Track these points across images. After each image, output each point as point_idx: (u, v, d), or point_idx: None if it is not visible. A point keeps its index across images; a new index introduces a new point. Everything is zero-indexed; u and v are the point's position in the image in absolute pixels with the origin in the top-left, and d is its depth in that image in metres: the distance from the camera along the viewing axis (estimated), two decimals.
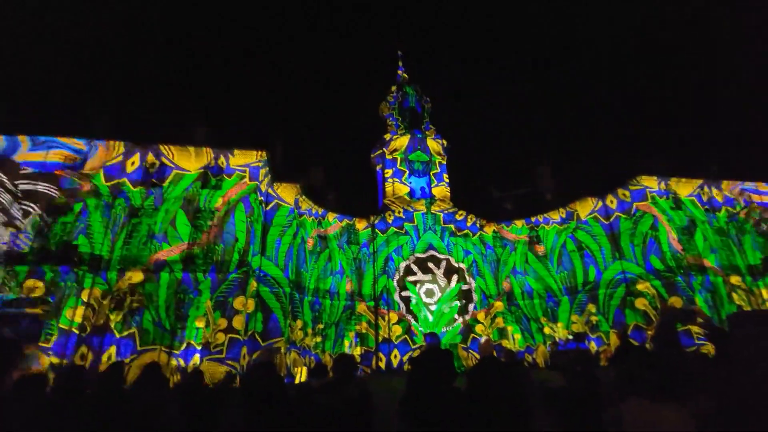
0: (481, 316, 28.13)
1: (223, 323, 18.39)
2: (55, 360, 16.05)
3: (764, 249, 26.78)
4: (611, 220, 27.97)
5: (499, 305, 28.77)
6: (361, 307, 27.00)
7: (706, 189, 28.51)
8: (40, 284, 17.16)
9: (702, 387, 1.55)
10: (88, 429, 3.70)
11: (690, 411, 1.41)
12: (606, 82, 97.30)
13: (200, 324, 18.59)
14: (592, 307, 26.73)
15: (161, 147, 21.75)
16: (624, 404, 1.58)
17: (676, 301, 23.54)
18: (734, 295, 24.42)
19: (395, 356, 25.61)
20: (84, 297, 17.65)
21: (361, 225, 29.56)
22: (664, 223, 25.87)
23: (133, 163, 21.29)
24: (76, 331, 17.04)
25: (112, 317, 17.82)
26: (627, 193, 27.51)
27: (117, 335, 17.58)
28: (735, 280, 24.96)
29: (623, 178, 27.95)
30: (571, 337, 25.26)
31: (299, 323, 22.84)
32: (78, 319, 17.19)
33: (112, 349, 17.30)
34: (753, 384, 1.44)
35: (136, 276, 18.71)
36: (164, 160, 21.63)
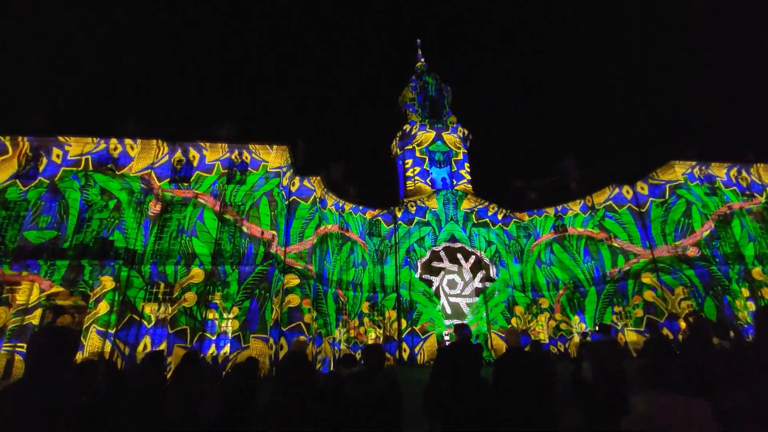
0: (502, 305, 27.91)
1: (247, 313, 18.96)
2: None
3: None
4: (641, 207, 27.00)
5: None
6: (382, 299, 27.25)
7: (744, 173, 27.12)
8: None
9: (730, 383, 1.54)
10: (132, 418, 3.96)
11: (716, 407, 1.42)
12: (636, 68, 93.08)
13: (230, 314, 19.23)
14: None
15: (194, 143, 22.55)
16: (648, 397, 1.59)
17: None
18: None
19: (404, 349, 25.76)
20: (125, 290, 18.58)
21: (382, 216, 29.66)
22: (698, 209, 24.76)
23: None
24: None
25: (153, 308, 18.71)
26: (658, 179, 26.47)
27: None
28: None
29: (655, 164, 26.89)
30: (597, 328, 24.60)
31: (323, 314, 23.27)
32: (116, 311, 18.14)
33: (146, 339, 18.16)
34: None
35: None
36: (197, 153, 22.49)
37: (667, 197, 25.77)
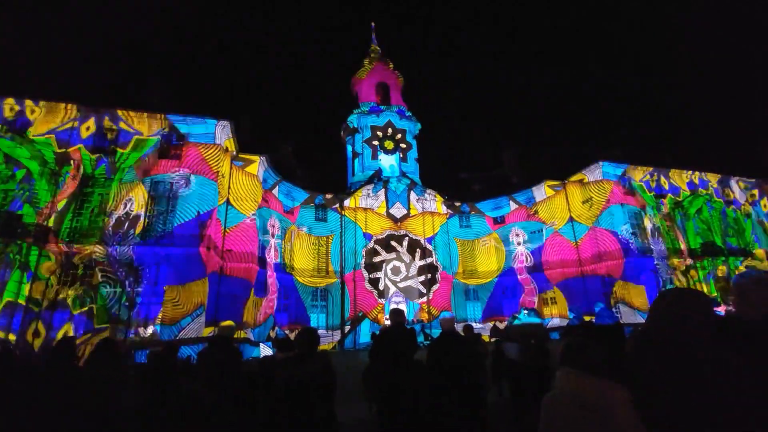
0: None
1: (183, 297, 17.84)
2: (1, 334, 15.14)
3: (705, 235, 28.96)
4: (570, 203, 29.16)
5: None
6: (327, 283, 27.08)
7: (656, 176, 30.22)
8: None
9: (639, 366, 1.66)
10: (39, 406, 3.54)
11: (627, 389, 1.51)
12: (572, 73, 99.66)
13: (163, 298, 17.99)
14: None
15: (119, 112, 20.27)
16: (568, 374, 1.67)
17: None
18: (676, 275, 26.54)
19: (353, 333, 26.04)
20: (36, 271, 16.56)
21: (328, 201, 29.23)
22: (616, 207, 27.28)
23: (88, 128, 19.82)
24: (32, 307, 16.08)
25: (69, 293, 16.86)
26: (585, 177, 28.74)
27: (72, 312, 16.66)
28: (676, 262, 26.89)
29: (583, 163, 29.08)
30: (526, 312, 26.59)
31: (264, 299, 22.63)
32: (26, 293, 16.16)
33: (68, 326, 16.37)
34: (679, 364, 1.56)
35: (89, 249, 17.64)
36: (123, 125, 20.19)
37: (593, 194, 28.09)
